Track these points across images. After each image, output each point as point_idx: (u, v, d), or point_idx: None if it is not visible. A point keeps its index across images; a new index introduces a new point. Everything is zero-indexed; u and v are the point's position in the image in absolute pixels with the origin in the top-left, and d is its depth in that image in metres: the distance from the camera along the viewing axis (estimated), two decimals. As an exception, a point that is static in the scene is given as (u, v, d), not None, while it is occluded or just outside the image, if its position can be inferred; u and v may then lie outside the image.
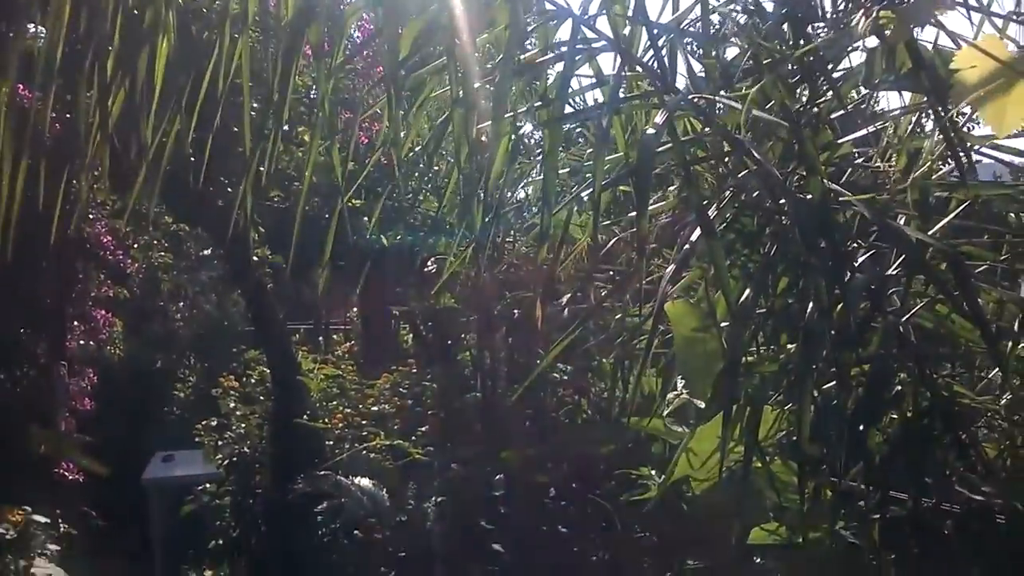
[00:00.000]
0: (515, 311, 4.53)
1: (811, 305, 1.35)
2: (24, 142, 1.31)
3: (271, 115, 1.42)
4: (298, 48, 1.34)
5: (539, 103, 1.61)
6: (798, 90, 1.55)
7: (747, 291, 1.43)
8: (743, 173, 1.59)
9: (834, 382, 1.51)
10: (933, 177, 1.56)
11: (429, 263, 4.92)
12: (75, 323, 6.23)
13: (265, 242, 6.05)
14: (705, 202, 1.54)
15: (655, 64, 1.58)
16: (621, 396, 2.30)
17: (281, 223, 5.83)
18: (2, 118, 1.29)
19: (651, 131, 1.35)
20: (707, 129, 1.60)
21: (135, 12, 1.33)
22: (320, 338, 9.68)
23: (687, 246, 1.45)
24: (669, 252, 1.80)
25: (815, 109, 1.57)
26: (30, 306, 5.81)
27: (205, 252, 8.82)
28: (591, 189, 1.46)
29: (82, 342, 6.32)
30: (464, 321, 4.70)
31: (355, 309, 9.64)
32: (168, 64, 1.39)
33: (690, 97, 1.53)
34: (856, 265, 1.52)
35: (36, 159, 1.37)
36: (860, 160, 1.65)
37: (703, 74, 1.69)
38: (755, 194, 1.61)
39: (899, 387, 1.59)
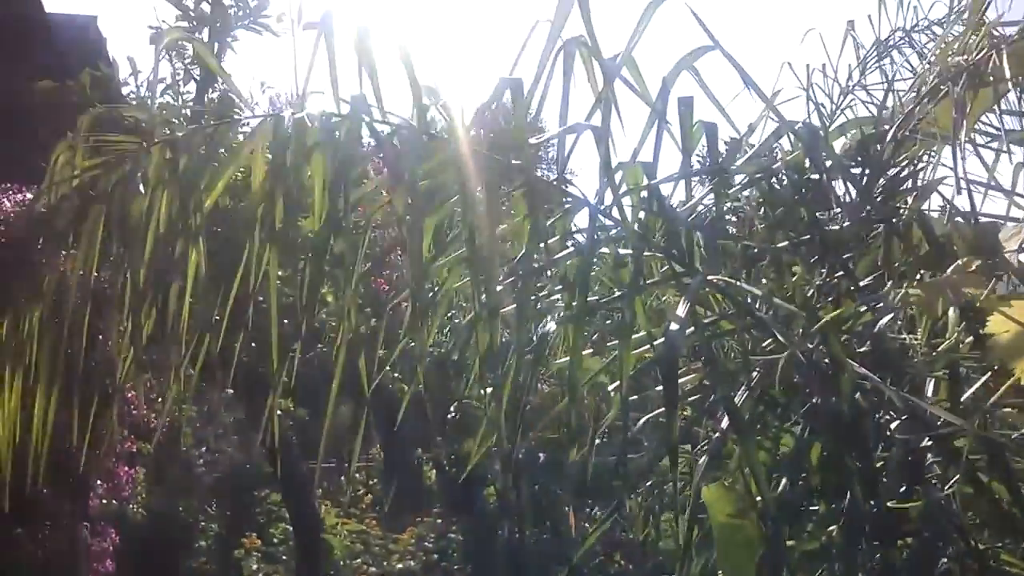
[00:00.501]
0: (540, 455, 4.48)
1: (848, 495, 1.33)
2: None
3: (301, 318, 1.44)
4: (324, 257, 1.38)
5: (559, 290, 1.64)
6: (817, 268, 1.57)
7: (783, 480, 1.41)
8: (769, 346, 1.60)
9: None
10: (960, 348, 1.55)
11: (453, 409, 4.90)
12: (98, 481, 6.19)
13: (288, 392, 6.06)
14: (731, 383, 1.54)
15: (672, 247, 1.61)
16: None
17: (303, 374, 5.82)
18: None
19: (674, 326, 1.35)
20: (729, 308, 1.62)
21: (167, 232, 1.37)
22: (342, 477, 9.57)
23: (718, 434, 1.44)
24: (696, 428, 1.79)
25: (834, 282, 1.59)
26: (53, 463, 5.78)
27: (227, 392, 8.83)
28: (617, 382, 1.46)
29: (104, 500, 6.26)
30: (488, 462, 4.64)
31: (378, 446, 9.56)
32: (198, 273, 1.42)
33: (710, 278, 1.55)
34: (892, 430, 1.50)
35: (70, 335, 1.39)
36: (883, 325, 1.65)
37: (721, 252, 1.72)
38: (781, 366, 1.61)
39: (946, 562, 1.54)
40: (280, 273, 1.50)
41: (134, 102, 4.06)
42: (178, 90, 4.21)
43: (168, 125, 1.36)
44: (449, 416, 4.92)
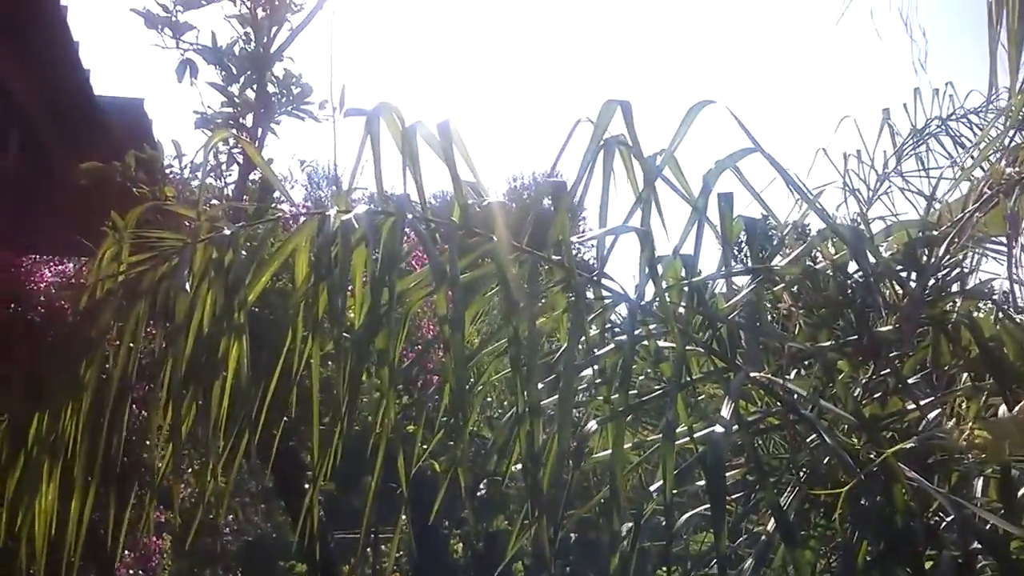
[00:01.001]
0: (572, 534, 4.39)
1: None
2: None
3: (343, 413, 1.43)
4: (367, 357, 1.38)
5: (599, 383, 1.62)
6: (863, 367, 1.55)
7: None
8: (813, 442, 1.57)
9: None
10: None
11: (483, 486, 4.83)
12: (126, 552, 6.15)
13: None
14: (777, 482, 1.50)
15: (713, 342, 1.60)
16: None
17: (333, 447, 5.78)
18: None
19: (719, 428, 1.33)
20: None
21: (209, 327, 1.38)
22: (369, 549, 9.44)
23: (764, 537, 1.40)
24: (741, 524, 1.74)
25: (880, 380, 1.56)
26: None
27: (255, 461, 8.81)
28: (660, 483, 1.43)
29: (131, 571, 6.20)
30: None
31: (404, 518, 9.42)
32: (240, 366, 1.43)
33: (753, 375, 1.53)
34: (941, 532, 1.45)
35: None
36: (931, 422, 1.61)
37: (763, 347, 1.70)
38: (826, 462, 1.58)
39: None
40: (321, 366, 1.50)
41: (178, 184, 4.15)
42: (220, 173, 4.32)
43: (214, 221, 1.38)
44: (479, 492, 4.85)
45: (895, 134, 3.33)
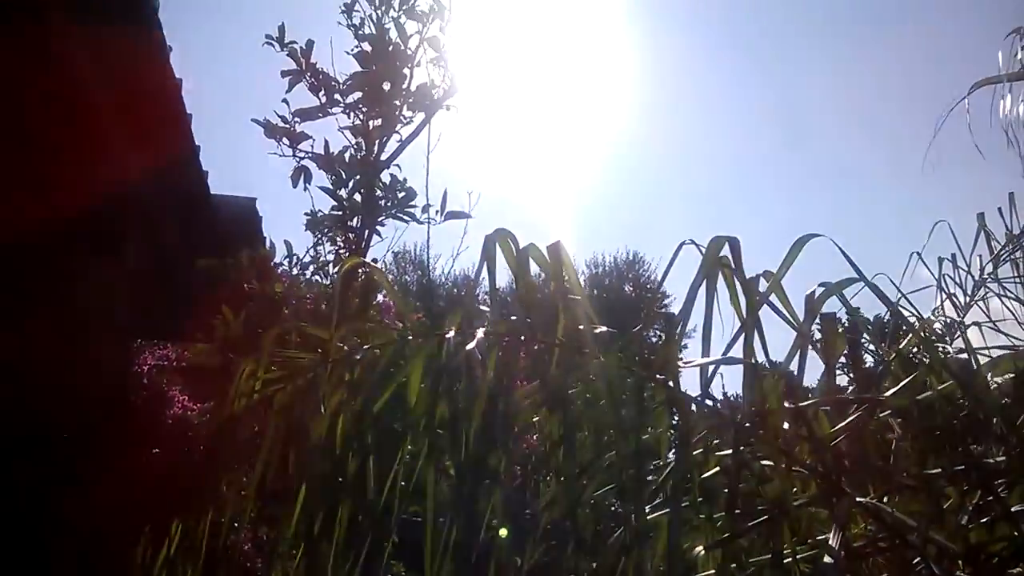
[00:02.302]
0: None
1: None
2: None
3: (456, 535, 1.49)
4: (481, 471, 1.44)
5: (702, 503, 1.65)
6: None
7: None
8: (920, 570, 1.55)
9: None
10: None
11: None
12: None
13: (399, 555, 6.06)
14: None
15: (817, 464, 1.61)
16: None
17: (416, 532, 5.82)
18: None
19: (828, 559, 1.34)
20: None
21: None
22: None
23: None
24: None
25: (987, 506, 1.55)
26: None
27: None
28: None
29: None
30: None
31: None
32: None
33: (860, 500, 1.54)
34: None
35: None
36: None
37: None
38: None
39: None
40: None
41: (287, 282, 4.39)
42: (327, 272, 4.57)
43: (342, 341, 1.48)
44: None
45: (991, 239, 3.30)
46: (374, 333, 1.55)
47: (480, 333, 1.48)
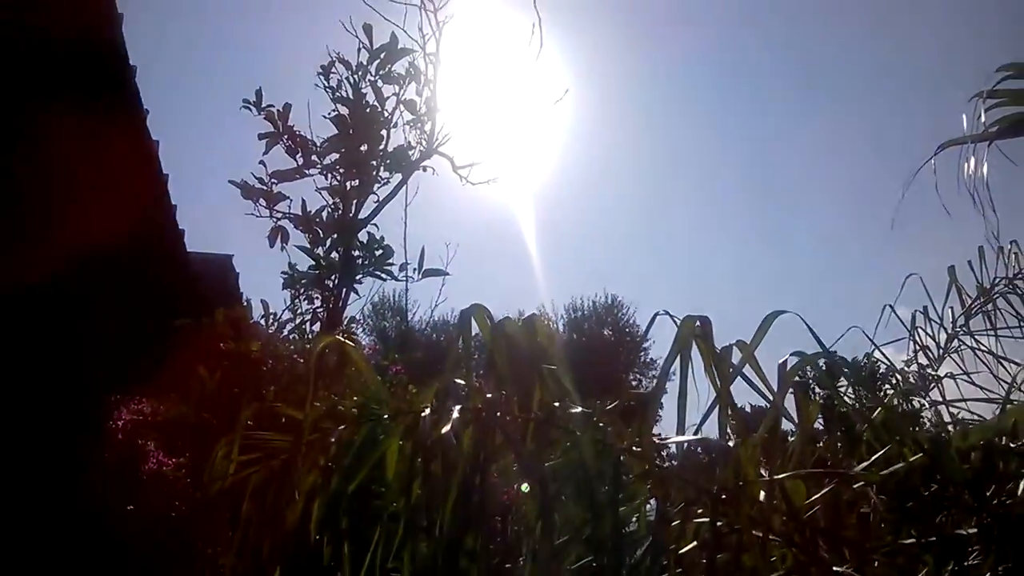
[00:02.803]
0: None
1: None
2: None
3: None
4: (458, 546, 1.43)
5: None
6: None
7: None
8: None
9: None
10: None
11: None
12: None
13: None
14: None
15: (794, 534, 1.62)
16: None
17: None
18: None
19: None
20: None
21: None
22: None
23: None
24: None
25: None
26: None
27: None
28: None
29: None
30: None
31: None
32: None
33: (835, 569, 1.54)
34: None
35: None
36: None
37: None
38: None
39: None
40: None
41: (263, 340, 4.38)
42: (304, 331, 4.56)
43: (322, 421, 1.48)
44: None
45: (963, 293, 3.36)
46: (349, 410, 1.55)
47: (455, 412, 1.48)
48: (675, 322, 1.64)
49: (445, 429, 1.36)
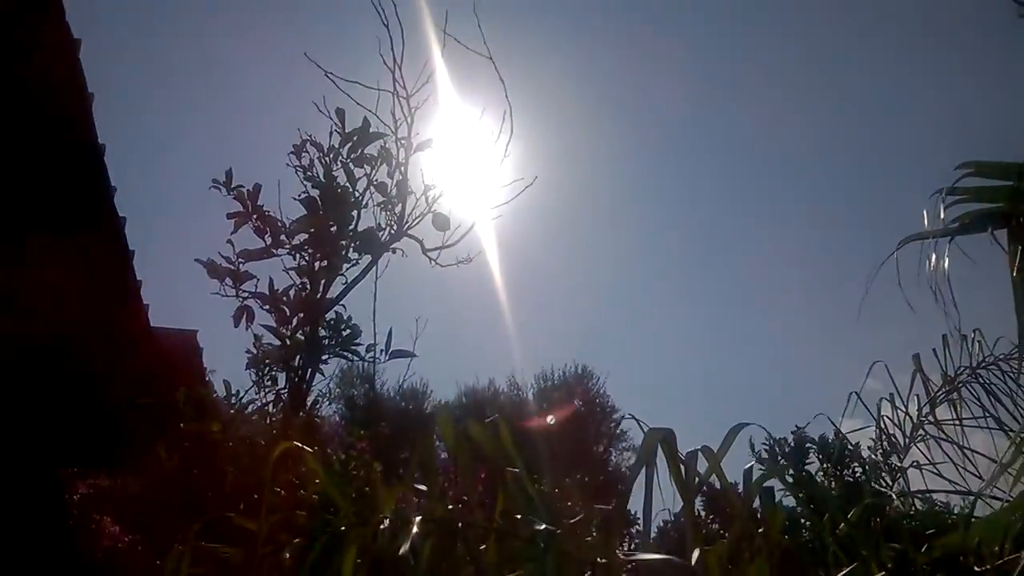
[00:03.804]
0: None
1: None
2: None
3: None
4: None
5: None
6: None
7: None
8: None
9: None
10: None
11: None
12: None
13: None
14: None
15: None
16: None
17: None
18: None
19: None
20: None
21: None
22: None
23: None
24: None
25: None
26: None
27: None
28: None
29: None
30: None
31: None
32: None
33: None
34: None
35: None
36: None
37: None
38: None
39: None
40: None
41: (225, 420, 4.29)
42: (267, 414, 4.48)
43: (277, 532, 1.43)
44: None
45: (927, 380, 3.39)
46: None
47: (416, 524, 1.45)
48: (642, 428, 1.63)
49: (404, 549, 1.32)
